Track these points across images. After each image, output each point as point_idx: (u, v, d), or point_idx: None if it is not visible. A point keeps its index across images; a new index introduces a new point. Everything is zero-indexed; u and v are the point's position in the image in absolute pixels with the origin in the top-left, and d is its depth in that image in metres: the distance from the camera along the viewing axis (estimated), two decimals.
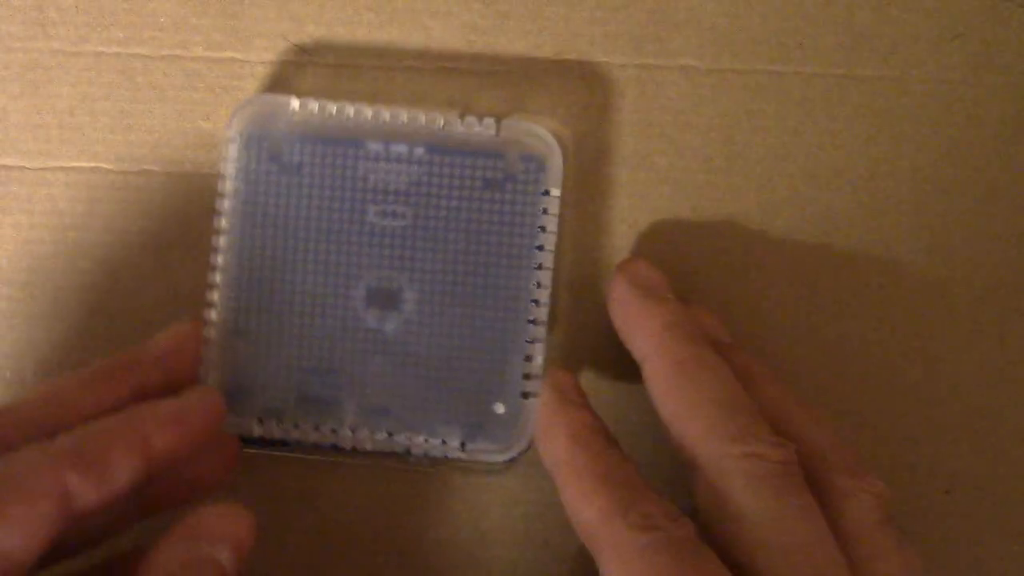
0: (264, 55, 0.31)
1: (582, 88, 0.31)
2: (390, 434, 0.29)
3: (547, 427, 0.27)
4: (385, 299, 0.29)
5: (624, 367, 0.31)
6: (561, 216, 0.31)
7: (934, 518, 0.31)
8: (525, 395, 0.29)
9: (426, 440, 0.29)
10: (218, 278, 0.29)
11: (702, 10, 0.31)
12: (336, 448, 0.29)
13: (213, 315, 0.29)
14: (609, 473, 0.26)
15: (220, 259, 0.29)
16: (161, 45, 0.31)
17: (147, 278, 0.31)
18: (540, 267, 0.29)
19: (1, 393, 0.31)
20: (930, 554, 0.31)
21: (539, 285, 0.29)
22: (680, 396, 0.26)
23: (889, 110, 0.31)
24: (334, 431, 0.29)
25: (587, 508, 0.25)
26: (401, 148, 0.29)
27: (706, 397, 0.26)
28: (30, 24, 0.31)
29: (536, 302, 0.29)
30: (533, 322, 0.29)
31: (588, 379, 0.31)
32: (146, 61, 0.31)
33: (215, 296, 0.29)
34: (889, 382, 0.31)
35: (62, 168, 0.31)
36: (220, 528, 0.24)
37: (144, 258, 0.31)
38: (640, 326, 0.28)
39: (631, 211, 0.31)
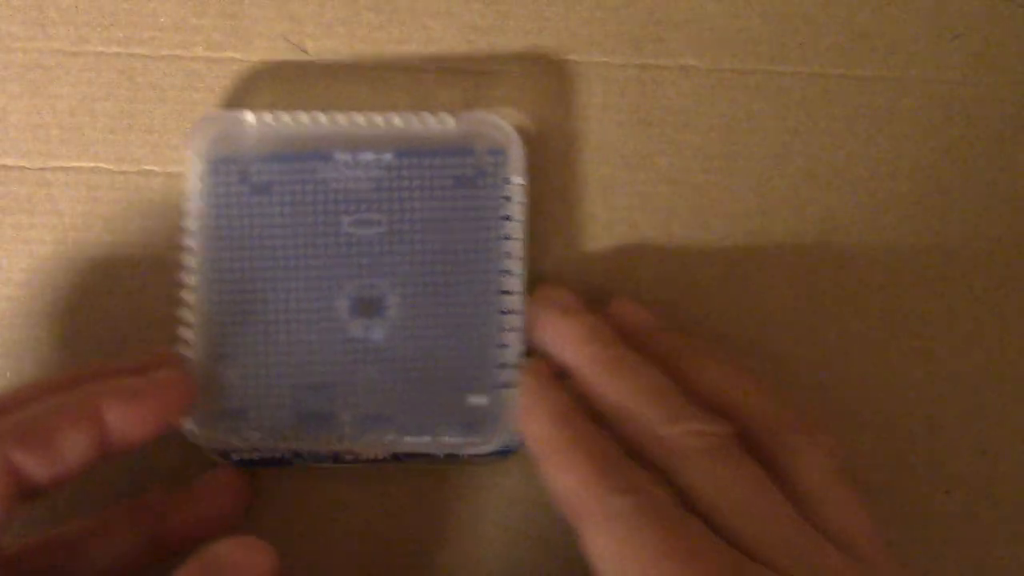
0: (264, 55, 0.31)
1: (582, 88, 0.31)
2: (387, 439, 0.29)
3: (528, 408, 0.28)
4: (369, 307, 0.29)
5: None
6: (559, 216, 0.31)
7: (934, 518, 0.31)
8: (506, 385, 0.29)
9: (418, 440, 0.29)
10: (193, 304, 0.29)
11: (702, 10, 0.31)
12: (335, 459, 0.29)
13: (194, 341, 0.29)
14: (591, 445, 0.26)
15: (193, 280, 0.29)
16: (161, 45, 0.31)
17: (147, 278, 0.31)
18: (509, 256, 0.29)
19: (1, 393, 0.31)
20: (930, 554, 0.31)
21: (509, 274, 0.29)
22: (613, 394, 0.27)
23: (889, 110, 0.31)
24: (332, 442, 0.29)
25: (568, 477, 0.26)
26: (368, 156, 0.29)
27: (634, 389, 0.27)
28: (30, 24, 0.31)
29: (508, 292, 0.29)
30: (508, 312, 0.29)
31: None
32: (146, 61, 0.31)
33: (192, 322, 0.29)
34: (889, 382, 0.31)
35: (62, 168, 0.31)
36: (240, 560, 0.24)
37: (144, 258, 0.31)
38: (565, 341, 0.29)
39: (631, 211, 0.31)
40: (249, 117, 0.29)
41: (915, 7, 0.31)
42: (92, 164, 0.31)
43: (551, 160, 0.31)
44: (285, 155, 0.29)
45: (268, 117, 0.29)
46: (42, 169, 0.31)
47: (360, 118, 0.29)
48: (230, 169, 0.29)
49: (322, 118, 0.29)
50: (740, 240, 0.31)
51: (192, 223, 0.29)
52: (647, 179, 0.31)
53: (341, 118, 0.29)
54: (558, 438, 0.27)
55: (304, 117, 0.29)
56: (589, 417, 0.28)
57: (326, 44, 0.31)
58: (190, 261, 0.29)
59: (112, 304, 0.31)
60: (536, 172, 0.31)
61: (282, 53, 0.31)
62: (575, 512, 0.26)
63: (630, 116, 0.31)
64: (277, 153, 0.29)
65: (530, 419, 0.28)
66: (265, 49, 0.31)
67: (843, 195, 0.31)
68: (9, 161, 0.31)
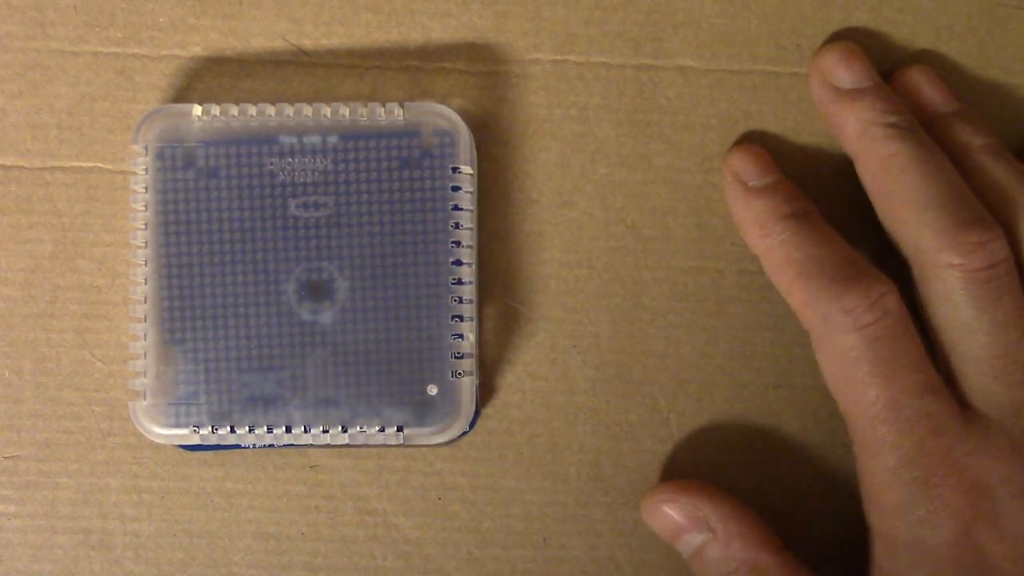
0: (264, 55, 0.31)
1: (580, 88, 0.31)
2: (332, 426, 0.29)
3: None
4: (317, 290, 0.29)
5: (618, 359, 0.31)
6: (554, 216, 0.31)
7: None
8: (457, 375, 0.29)
9: (363, 429, 0.29)
10: (141, 292, 0.29)
11: (700, 11, 0.31)
12: (280, 445, 0.29)
13: (145, 328, 0.29)
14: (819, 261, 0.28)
15: (142, 272, 0.29)
16: (161, 45, 0.31)
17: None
18: (459, 245, 0.29)
19: (1, 393, 0.31)
20: None
21: (459, 263, 0.29)
22: (890, 196, 0.28)
23: None
24: (278, 429, 0.29)
25: (792, 296, 0.29)
26: (315, 139, 0.29)
27: (913, 197, 0.28)
28: (30, 24, 0.31)
29: (459, 281, 0.29)
30: (459, 301, 0.29)
31: (576, 371, 0.31)
32: (146, 61, 0.31)
33: (141, 310, 0.29)
34: None
35: (62, 168, 0.31)
36: None
37: None
38: (840, 129, 0.30)
39: (629, 211, 0.31)
40: (196, 109, 0.29)
41: (912, 7, 0.31)
42: (91, 164, 0.31)
43: (546, 163, 0.31)
44: (231, 140, 0.29)
45: (215, 109, 0.29)
46: (41, 169, 0.31)
47: (307, 108, 0.29)
48: (176, 155, 0.29)
49: (269, 109, 0.29)
50: (739, 240, 0.31)
51: (139, 212, 0.29)
52: (645, 179, 0.31)
53: (288, 108, 0.29)
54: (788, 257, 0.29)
55: (252, 109, 0.29)
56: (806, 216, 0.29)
57: (325, 44, 0.31)
58: (139, 250, 0.29)
59: (111, 304, 0.31)
60: (523, 175, 0.31)
61: (282, 53, 0.31)
62: (806, 324, 0.28)
63: (628, 116, 0.31)
64: (222, 139, 0.29)
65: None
66: (265, 49, 0.31)
67: (843, 194, 0.31)
68: (8, 161, 0.31)
